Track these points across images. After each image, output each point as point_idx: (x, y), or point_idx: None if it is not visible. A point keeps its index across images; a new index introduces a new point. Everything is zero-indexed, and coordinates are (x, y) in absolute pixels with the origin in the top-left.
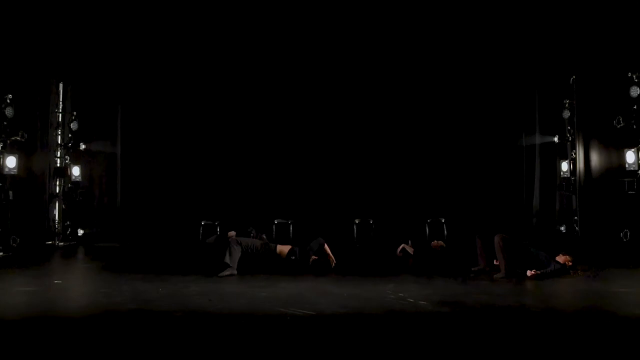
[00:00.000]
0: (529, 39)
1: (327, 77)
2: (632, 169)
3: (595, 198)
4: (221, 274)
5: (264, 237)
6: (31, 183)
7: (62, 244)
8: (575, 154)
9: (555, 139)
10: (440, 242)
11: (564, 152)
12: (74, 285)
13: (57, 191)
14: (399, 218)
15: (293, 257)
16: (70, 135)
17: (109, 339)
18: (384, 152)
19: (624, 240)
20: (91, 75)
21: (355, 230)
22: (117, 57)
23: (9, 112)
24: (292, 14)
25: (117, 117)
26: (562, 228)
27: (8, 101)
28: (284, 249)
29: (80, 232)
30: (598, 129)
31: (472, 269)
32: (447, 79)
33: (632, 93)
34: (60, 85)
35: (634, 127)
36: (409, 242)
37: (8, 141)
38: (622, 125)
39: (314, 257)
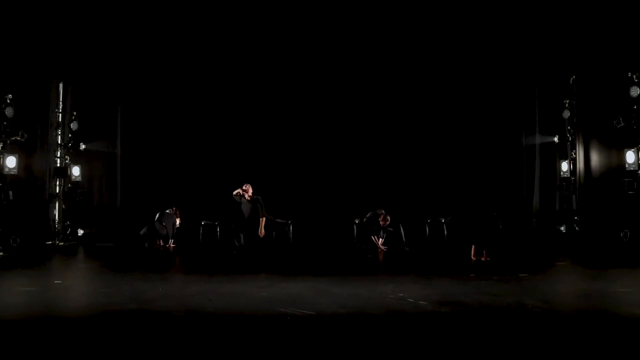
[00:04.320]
0: (529, 39)
1: (328, 76)
2: (632, 169)
3: (595, 198)
4: None
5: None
6: (31, 183)
7: (62, 244)
8: (575, 154)
9: (555, 139)
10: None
11: (564, 152)
12: (74, 285)
13: (57, 191)
14: (399, 218)
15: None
16: (70, 135)
17: (109, 339)
18: (384, 153)
19: (624, 240)
20: (91, 75)
21: (355, 230)
22: (117, 57)
23: (9, 112)
24: (295, 17)
25: (117, 117)
26: (562, 228)
27: (8, 101)
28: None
29: (80, 232)
30: (598, 129)
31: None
32: (448, 79)
33: (632, 93)
34: (60, 85)
35: (634, 127)
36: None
37: (8, 141)
38: (622, 125)
39: None
